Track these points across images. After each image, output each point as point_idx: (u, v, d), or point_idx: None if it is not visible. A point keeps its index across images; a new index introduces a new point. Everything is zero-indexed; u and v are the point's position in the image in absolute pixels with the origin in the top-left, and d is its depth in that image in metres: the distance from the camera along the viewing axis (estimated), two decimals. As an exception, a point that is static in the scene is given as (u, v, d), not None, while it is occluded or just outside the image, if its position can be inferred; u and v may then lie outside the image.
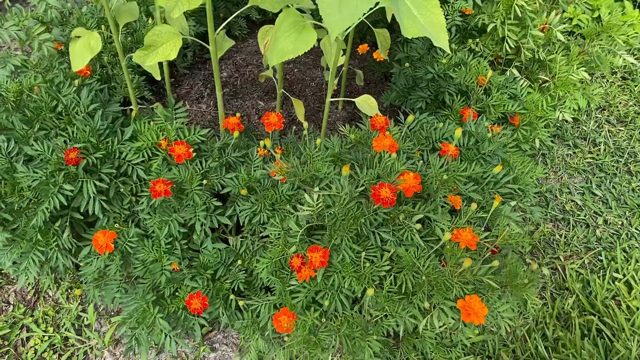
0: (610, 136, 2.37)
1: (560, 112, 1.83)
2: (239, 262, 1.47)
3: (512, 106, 1.77)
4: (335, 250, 1.28)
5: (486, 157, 1.56)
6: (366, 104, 1.69)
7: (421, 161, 1.36)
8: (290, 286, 1.36)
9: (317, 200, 1.26)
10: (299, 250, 1.31)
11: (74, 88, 1.67)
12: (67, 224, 1.54)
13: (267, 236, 1.45)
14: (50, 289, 1.83)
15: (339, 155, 1.48)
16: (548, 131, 1.79)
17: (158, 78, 1.63)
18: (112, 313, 1.77)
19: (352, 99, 1.70)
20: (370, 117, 1.64)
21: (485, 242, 1.38)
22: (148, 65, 1.51)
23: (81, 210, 1.51)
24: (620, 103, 2.52)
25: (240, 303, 1.41)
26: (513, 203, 1.58)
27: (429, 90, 1.92)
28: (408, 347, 1.42)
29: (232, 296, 1.46)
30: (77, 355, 1.69)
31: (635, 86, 2.59)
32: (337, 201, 1.24)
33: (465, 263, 1.14)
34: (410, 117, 1.47)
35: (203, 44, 1.53)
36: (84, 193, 1.47)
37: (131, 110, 1.80)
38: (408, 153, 1.43)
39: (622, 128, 2.41)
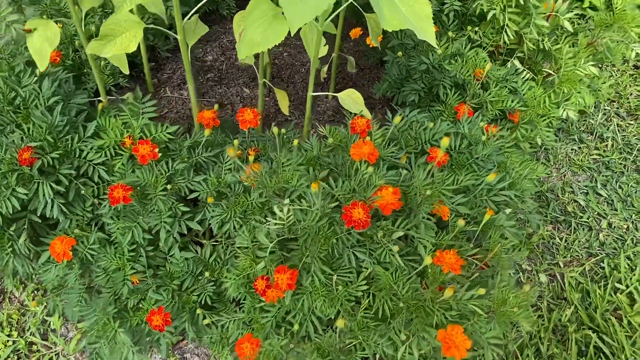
0: (619, 131, 2.21)
1: (565, 109, 1.68)
2: (207, 273, 1.36)
3: (512, 102, 1.62)
4: (306, 269, 1.17)
5: (479, 161, 1.42)
6: (351, 99, 1.55)
7: (405, 170, 1.23)
8: (260, 303, 1.25)
9: (288, 213, 1.14)
10: (268, 266, 1.19)
11: (35, 78, 1.54)
12: (25, 227, 1.43)
13: (237, 249, 1.33)
14: (17, 289, 1.73)
15: (317, 159, 1.35)
16: (550, 130, 1.64)
17: (126, 72, 1.50)
18: (80, 317, 1.67)
19: (336, 94, 1.56)
20: (355, 114, 1.51)
21: (474, 258, 1.26)
22: (109, 56, 1.38)
23: (38, 214, 1.39)
24: (631, 94, 2.36)
25: (206, 321, 1.30)
26: (508, 211, 1.45)
27: (423, 82, 1.77)
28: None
29: (199, 310, 1.35)
30: (42, 362, 1.60)
31: (649, 76, 2.43)
32: (308, 217, 1.11)
33: (446, 293, 1.02)
34: (397, 118, 1.33)
35: (169, 33, 1.39)
36: (39, 196, 1.35)
37: (100, 101, 1.67)
38: (391, 160, 1.30)
39: (632, 122, 2.25)
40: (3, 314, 1.68)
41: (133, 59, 2.19)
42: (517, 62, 1.77)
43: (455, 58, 1.71)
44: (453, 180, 1.20)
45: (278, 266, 1.11)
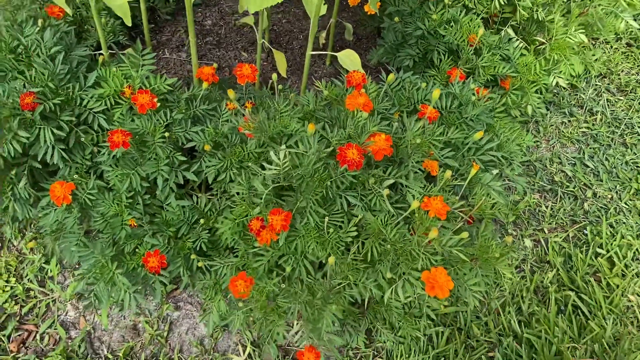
0: (608, 105, 2.26)
1: (555, 77, 1.72)
2: (202, 221, 1.40)
3: (503, 68, 1.66)
4: (300, 213, 1.21)
5: (469, 121, 1.46)
6: (349, 59, 1.59)
7: (397, 123, 1.27)
8: (254, 248, 1.30)
9: (284, 159, 1.18)
10: (264, 212, 1.23)
11: (37, 28, 1.56)
12: (25, 172, 1.46)
13: (236, 194, 1.38)
14: (15, 238, 1.77)
15: (313, 112, 1.39)
16: (540, 97, 1.69)
17: (129, 23, 1.53)
18: (76, 266, 1.71)
19: (334, 53, 1.59)
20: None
21: (460, 211, 1.31)
22: (116, 5, 1.41)
23: (39, 159, 1.43)
24: (622, 71, 2.40)
25: (199, 264, 1.35)
26: (495, 171, 1.50)
27: (418, 48, 1.80)
28: (374, 316, 1.37)
29: (193, 256, 1.39)
30: (39, 307, 1.64)
31: (640, 53, 2.47)
32: (304, 161, 1.15)
33: (431, 234, 1.07)
34: (391, 76, 1.37)
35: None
36: (40, 141, 1.39)
37: (101, 55, 1.69)
38: (385, 114, 1.34)
39: (621, 97, 2.29)
40: (1, 261, 1.72)
41: (133, 20, 2.21)
42: (510, 31, 1.81)
43: (450, 24, 1.74)
44: (443, 131, 1.25)
45: (273, 209, 1.16)
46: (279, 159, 1.17)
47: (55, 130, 1.38)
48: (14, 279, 1.69)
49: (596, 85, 2.33)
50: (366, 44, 2.38)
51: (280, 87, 1.53)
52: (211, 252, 1.45)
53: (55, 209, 1.45)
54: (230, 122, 1.40)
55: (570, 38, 1.65)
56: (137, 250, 1.44)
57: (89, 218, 1.50)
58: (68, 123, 1.43)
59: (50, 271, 1.70)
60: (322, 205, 1.16)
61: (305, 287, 1.20)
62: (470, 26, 1.70)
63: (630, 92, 2.31)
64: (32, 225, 1.78)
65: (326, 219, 1.14)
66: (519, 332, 1.54)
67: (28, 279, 1.69)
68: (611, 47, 2.51)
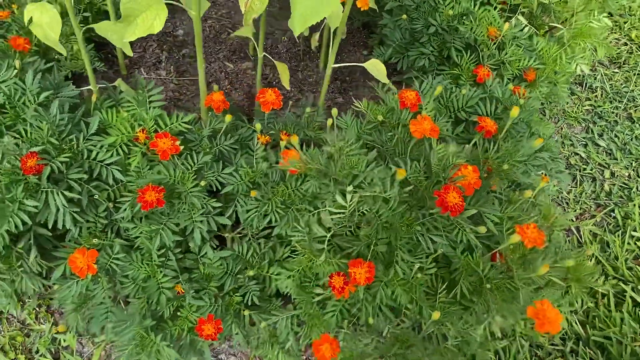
0: (606, 80, 2.24)
1: (577, 64, 1.66)
2: (250, 272, 1.25)
3: (529, 60, 1.58)
4: (374, 257, 1.09)
5: (516, 126, 1.38)
6: (375, 69, 1.46)
7: (468, 145, 1.16)
8: (316, 297, 1.17)
9: (351, 200, 1.05)
10: (328, 258, 1.10)
11: (15, 71, 1.34)
12: (31, 241, 1.26)
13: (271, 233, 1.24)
14: (15, 309, 1.55)
15: (358, 138, 1.26)
16: (567, 87, 1.62)
17: (130, 54, 1.34)
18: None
19: (361, 64, 1.46)
20: (380, 82, 1.43)
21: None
22: (115, 40, 1.23)
23: (49, 226, 1.23)
24: (610, 42, 2.39)
25: (262, 325, 1.20)
26: (541, 172, 1.44)
27: (432, 46, 1.69)
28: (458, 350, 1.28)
29: (246, 312, 1.25)
30: (60, 385, 1.46)
31: (625, 22, 2.46)
32: (377, 204, 1.03)
33: (541, 270, 0.98)
34: (439, 88, 1.26)
35: (185, 7, 1.23)
36: (50, 206, 1.19)
37: (89, 91, 1.48)
38: (443, 133, 1.23)
39: (616, 70, 2.28)
40: (4, 337, 1.50)
41: (100, 39, 1.97)
42: (521, 18, 1.73)
43: (466, 17, 1.64)
44: (522, 151, 1.15)
45: (352, 260, 1.03)
46: (345, 201, 1.05)
47: (67, 193, 1.19)
48: (23, 356, 1.49)
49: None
50: (354, 38, 2.25)
51: (308, 109, 1.39)
52: (260, 302, 1.31)
53: (77, 281, 1.26)
54: (266, 159, 1.25)
55: (593, 23, 1.59)
56: (178, 313, 1.28)
57: (114, 283, 1.32)
58: (79, 181, 1.23)
59: (65, 341, 1.50)
60: (409, 251, 1.05)
61: (393, 338, 1.09)
62: (488, 19, 1.61)
63: (624, 64, 2.30)
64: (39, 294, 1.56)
65: (416, 265, 1.03)
66: (583, 334, 1.50)
67: (40, 354, 1.49)
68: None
